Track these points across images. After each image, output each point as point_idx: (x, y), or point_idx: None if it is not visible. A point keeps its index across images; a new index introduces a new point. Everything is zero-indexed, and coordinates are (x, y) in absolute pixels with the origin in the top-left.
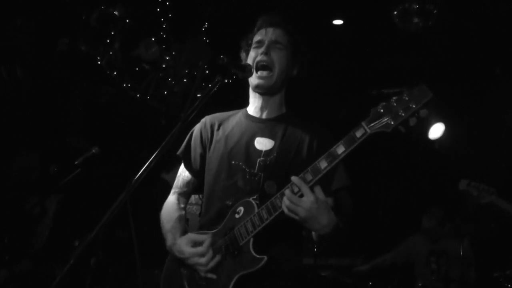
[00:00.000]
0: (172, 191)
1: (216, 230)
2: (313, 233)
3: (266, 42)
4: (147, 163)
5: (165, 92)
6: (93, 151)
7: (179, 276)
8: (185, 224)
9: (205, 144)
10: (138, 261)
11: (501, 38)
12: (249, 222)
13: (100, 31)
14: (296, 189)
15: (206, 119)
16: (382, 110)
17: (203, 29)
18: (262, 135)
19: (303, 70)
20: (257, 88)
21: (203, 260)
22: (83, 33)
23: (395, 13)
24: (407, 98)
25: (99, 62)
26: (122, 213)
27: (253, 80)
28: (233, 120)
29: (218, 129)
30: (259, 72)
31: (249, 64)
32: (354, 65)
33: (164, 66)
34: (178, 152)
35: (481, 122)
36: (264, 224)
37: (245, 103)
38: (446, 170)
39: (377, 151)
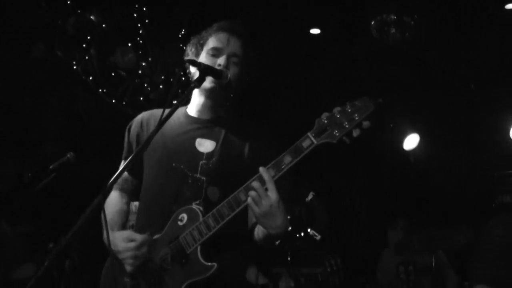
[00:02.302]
0: (114, 188)
1: (158, 236)
2: (258, 229)
3: (226, 55)
4: (122, 168)
5: (141, 99)
6: (68, 156)
7: (122, 285)
8: (125, 218)
9: (141, 142)
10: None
11: (477, 54)
12: (195, 230)
13: (76, 37)
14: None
15: (143, 117)
16: (326, 121)
17: (180, 36)
18: (203, 136)
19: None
20: (208, 92)
21: (132, 254)
22: (59, 38)
23: (372, 23)
24: (349, 110)
25: (74, 68)
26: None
27: (207, 84)
28: (172, 118)
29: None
30: (214, 83)
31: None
32: (331, 75)
33: (140, 72)
34: (123, 153)
35: (455, 133)
36: (211, 233)
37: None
38: (419, 182)
39: (352, 162)
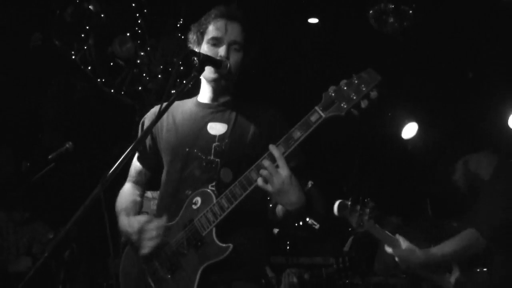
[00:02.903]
0: (128, 180)
1: (174, 222)
2: (279, 207)
3: (226, 43)
4: (121, 158)
5: (139, 89)
6: (67, 146)
7: (141, 273)
8: (139, 208)
9: (155, 135)
10: (112, 254)
11: (475, 42)
12: (210, 212)
13: (74, 27)
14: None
15: (155, 111)
16: (333, 94)
17: (178, 25)
18: (214, 120)
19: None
20: (213, 83)
21: (149, 237)
22: (57, 28)
23: (370, 12)
24: (356, 82)
25: (73, 58)
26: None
27: (210, 74)
28: (183, 108)
29: (168, 117)
30: (217, 73)
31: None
32: (329, 64)
33: (138, 62)
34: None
35: (454, 122)
36: (225, 213)
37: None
38: (417, 171)
39: (349, 151)
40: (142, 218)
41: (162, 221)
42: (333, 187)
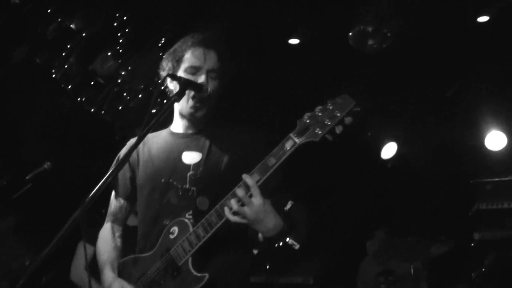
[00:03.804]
0: (106, 219)
1: (151, 252)
2: (259, 234)
3: (204, 73)
4: (101, 183)
5: (120, 108)
6: (45, 166)
7: None
8: (120, 254)
9: (133, 167)
10: (89, 278)
11: (453, 62)
12: (186, 241)
13: (56, 44)
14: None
15: (131, 142)
16: (308, 121)
17: (160, 44)
18: (188, 149)
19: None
20: (189, 115)
21: None
22: (39, 45)
23: (350, 34)
24: (331, 107)
25: (54, 76)
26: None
27: (187, 107)
28: (158, 139)
29: (144, 149)
30: (194, 101)
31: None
32: (310, 84)
33: (119, 81)
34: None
35: (433, 142)
36: (201, 242)
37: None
38: (397, 190)
39: (329, 171)
40: (118, 285)
41: None
42: (314, 205)
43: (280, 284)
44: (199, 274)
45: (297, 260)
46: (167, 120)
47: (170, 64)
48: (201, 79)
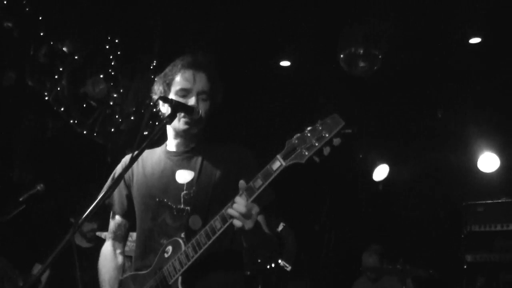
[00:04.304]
0: (107, 237)
1: (148, 270)
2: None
3: (195, 94)
4: (93, 205)
5: (112, 129)
6: (38, 188)
7: None
8: (121, 272)
9: (128, 184)
10: None
11: (444, 83)
12: (177, 260)
13: (47, 67)
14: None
15: (126, 159)
16: (296, 141)
17: (151, 67)
18: (181, 168)
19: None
20: (182, 132)
21: None
22: (30, 68)
23: (341, 56)
24: (320, 128)
25: (46, 98)
26: None
27: (179, 125)
28: (152, 157)
29: (138, 167)
30: (185, 121)
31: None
32: (301, 106)
33: (111, 103)
34: (106, 201)
35: (424, 164)
36: (190, 262)
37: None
38: (388, 211)
39: (321, 191)
40: None
41: None
42: (305, 226)
43: None
44: None
45: (289, 280)
46: (160, 140)
47: (161, 88)
48: (192, 101)
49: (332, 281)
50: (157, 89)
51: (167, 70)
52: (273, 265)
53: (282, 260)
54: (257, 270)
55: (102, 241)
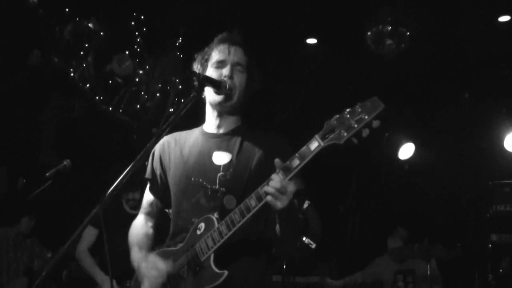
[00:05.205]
0: (140, 211)
1: (179, 247)
2: (277, 228)
3: (229, 65)
4: (120, 177)
5: (137, 107)
6: (65, 163)
7: None
8: (151, 241)
9: (165, 165)
10: (111, 274)
11: (471, 63)
12: (209, 237)
13: (73, 45)
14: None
15: (165, 139)
16: (335, 123)
17: (177, 45)
18: (219, 149)
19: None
20: (217, 106)
21: (149, 284)
22: (56, 46)
23: (368, 34)
24: (360, 110)
25: (72, 76)
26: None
27: (215, 99)
28: (190, 138)
29: (176, 148)
30: (218, 96)
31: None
32: (327, 85)
33: (137, 81)
34: (146, 175)
35: (451, 143)
36: (223, 239)
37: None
38: (414, 191)
39: (347, 171)
40: (150, 261)
41: (167, 269)
42: (330, 207)
43: (296, 284)
44: (218, 271)
45: (314, 259)
46: (191, 115)
47: (199, 65)
48: (226, 70)
49: (356, 263)
50: (196, 67)
51: (205, 48)
52: (298, 243)
53: (307, 237)
54: (283, 251)
55: None
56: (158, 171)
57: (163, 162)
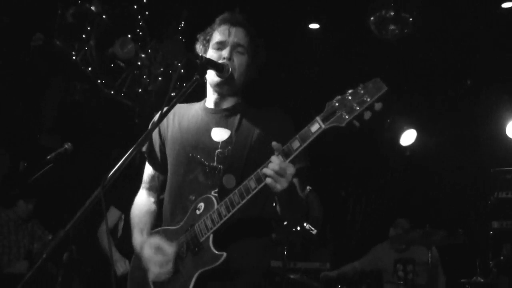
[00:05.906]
0: (141, 186)
1: (179, 226)
2: (278, 208)
3: (229, 46)
4: (122, 160)
5: (139, 91)
6: (66, 146)
7: (144, 273)
8: (154, 218)
9: (163, 137)
10: (111, 257)
11: (474, 50)
12: (209, 218)
13: (75, 27)
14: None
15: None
16: (337, 104)
17: (180, 28)
18: (218, 126)
19: (258, 71)
20: (217, 88)
21: (157, 270)
22: (58, 28)
23: (371, 19)
24: (362, 92)
25: (74, 58)
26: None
27: (214, 79)
28: (190, 112)
29: (174, 121)
30: (218, 77)
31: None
32: (329, 70)
33: (139, 64)
34: (143, 149)
35: (453, 130)
36: (222, 221)
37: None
38: (415, 177)
39: (348, 157)
40: (154, 242)
41: (173, 252)
42: (331, 192)
43: (297, 269)
44: (217, 252)
45: (314, 245)
46: (194, 96)
47: (201, 46)
48: (226, 52)
49: (356, 250)
50: (198, 47)
51: (207, 28)
52: (298, 228)
53: (307, 223)
54: (283, 233)
55: None
56: (157, 143)
57: (162, 133)
